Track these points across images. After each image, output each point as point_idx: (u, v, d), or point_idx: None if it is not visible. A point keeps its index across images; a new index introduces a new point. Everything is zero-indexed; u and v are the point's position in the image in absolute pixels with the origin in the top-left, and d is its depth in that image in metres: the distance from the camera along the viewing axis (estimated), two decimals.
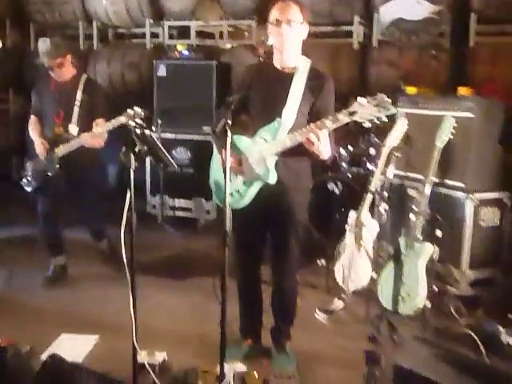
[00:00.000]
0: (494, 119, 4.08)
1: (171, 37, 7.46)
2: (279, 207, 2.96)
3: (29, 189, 4.21)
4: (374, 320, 3.60)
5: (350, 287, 3.89)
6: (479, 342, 3.29)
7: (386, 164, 4.02)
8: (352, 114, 2.59)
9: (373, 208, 4.08)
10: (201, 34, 7.41)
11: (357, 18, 6.34)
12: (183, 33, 7.42)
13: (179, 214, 6.00)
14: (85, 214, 4.62)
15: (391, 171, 4.08)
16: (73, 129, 4.08)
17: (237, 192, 2.92)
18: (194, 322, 3.71)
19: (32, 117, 4.35)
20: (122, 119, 3.70)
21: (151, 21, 7.36)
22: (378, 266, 3.89)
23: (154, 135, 2.95)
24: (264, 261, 3.22)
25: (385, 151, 3.93)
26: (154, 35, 7.47)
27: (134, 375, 2.82)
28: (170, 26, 7.38)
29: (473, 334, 3.35)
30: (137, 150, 2.80)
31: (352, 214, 3.98)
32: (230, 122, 2.38)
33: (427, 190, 3.79)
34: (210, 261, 3.69)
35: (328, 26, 6.61)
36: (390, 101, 2.53)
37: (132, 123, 3.46)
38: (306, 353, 3.29)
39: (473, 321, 3.67)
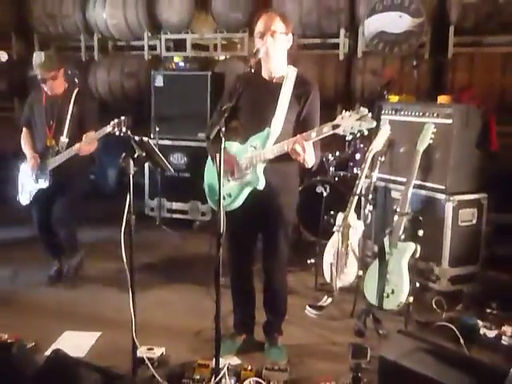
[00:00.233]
0: (472, 125, 4.09)
1: (168, 49, 7.47)
2: (269, 209, 2.96)
3: (24, 202, 4.14)
4: (361, 315, 3.60)
5: (337, 284, 3.89)
6: (459, 334, 3.30)
7: (371, 168, 4.03)
8: (335, 127, 2.59)
9: (359, 209, 4.09)
10: (196, 47, 7.44)
11: (343, 31, 6.39)
12: (179, 45, 7.43)
13: (176, 215, 5.99)
14: (60, 221, 4.15)
15: (376, 174, 4.09)
16: (64, 141, 3.98)
17: (228, 196, 2.91)
18: (191, 318, 3.70)
19: (24, 129, 4.25)
20: (108, 129, 3.63)
21: (149, 34, 7.37)
22: (363, 264, 3.89)
23: (152, 142, 2.95)
24: (256, 259, 3.21)
25: (369, 156, 3.94)
26: (152, 47, 7.48)
27: (133, 369, 2.83)
28: (166, 39, 7.39)
29: (453, 327, 3.37)
30: (136, 155, 2.81)
31: (339, 216, 3.99)
32: (223, 129, 2.39)
33: (409, 192, 3.80)
34: (205, 260, 3.67)
35: (316, 39, 6.65)
36: (370, 115, 2.54)
37: (117, 132, 3.51)
38: (296, 346, 3.29)
39: (453, 314, 3.69)
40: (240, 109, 2.90)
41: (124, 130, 3.49)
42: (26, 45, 8.15)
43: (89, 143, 3.88)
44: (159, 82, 5.91)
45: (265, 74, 2.94)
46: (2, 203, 4.09)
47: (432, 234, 3.89)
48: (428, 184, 4.09)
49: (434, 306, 3.81)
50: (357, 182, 3.96)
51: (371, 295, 3.70)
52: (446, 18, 5.90)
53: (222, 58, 7.26)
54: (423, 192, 4.10)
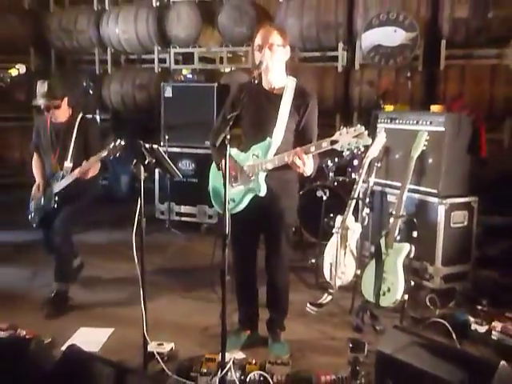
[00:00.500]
0: (463, 132, 4.09)
1: (177, 62, 7.50)
2: (270, 212, 2.96)
3: (33, 225, 4.01)
4: (359, 311, 3.59)
5: (337, 283, 3.89)
6: (451, 330, 3.29)
7: (368, 173, 4.03)
8: (333, 142, 2.60)
9: (356, 212, 4.08)
10: (203, 59, 7.46)
11: (341, 45, 6.40)
12: (187, 58, 7.46)
13: (184, 218, 5.99)
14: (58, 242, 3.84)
15: (372, 179, 4.08)
16: (67, 166, 3.84)
17: (232, 200, 2.91)
18: (198, 315, 3.69)
19: (34, 155, 4.09)
20: (104, 153, 3.56)
21: (159, 48, 7.41)
22: (361, 264, 3.88)
23: (162, 149, 2.96)
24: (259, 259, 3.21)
25: (366, 162, 3.93)
26: (162, 60, 7.51)
27: (144, 363, 2.84)
28: (175, 53, 7.42)
29: (446, 323, 3.36)
30: (146, 162, 2.82)
31: (338, 218, 3.98)
32: (228, 136, 2.39)
33: (404, 195, 3.80)
34: (211, 259, 3.68)
35: (316, 52, 6.66)
36: (366, 132, 2.54)
37: (112, 156, 3.53)
38: (298, 341, 3.29)
39: (446, 311, 3.68)
40: (242, 118, 2.89)
41: (119, 153, 3.49)
42: (44, 58, 8.19)
43: (87, 168, 3.72)
44: (169, 93, 5.93)
45: (265, 85, 2.93)
46: (25, 208, 4.07)
47: (426, 235, 3.89)
48: (422, 188, 4.09)
49: (428, 303, 3.80)
50: (355, 186, 3.96)
51: (368, 293, 3.70)
52: (438, 32, 5.91)
53: (227, 70, 7.28)
54: (417, 196, 4.10)
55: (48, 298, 3.77)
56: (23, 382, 2.40)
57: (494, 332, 3.24)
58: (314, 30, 6.35)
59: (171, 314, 3.72)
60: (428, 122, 4.05)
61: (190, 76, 6.10)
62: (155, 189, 6.07)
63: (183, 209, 5.98)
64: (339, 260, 3.86)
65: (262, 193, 2.84)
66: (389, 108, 4.73)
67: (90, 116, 7.04)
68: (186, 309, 3.83)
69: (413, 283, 3.70)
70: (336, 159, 5.17)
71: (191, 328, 3.51)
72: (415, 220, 3.79)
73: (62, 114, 3.91)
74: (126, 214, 3.05)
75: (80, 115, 3.97)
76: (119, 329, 3.45)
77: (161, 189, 6.04)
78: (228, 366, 2.58)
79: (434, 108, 4.30)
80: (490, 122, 5.14)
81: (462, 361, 2.38)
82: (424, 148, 3.86)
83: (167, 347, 3.04)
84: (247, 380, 2.68)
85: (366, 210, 4.00)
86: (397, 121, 4.36)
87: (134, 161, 2.80)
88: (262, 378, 2.69)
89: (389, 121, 4.43)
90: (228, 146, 2.38)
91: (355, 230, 3.91)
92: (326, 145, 2.63)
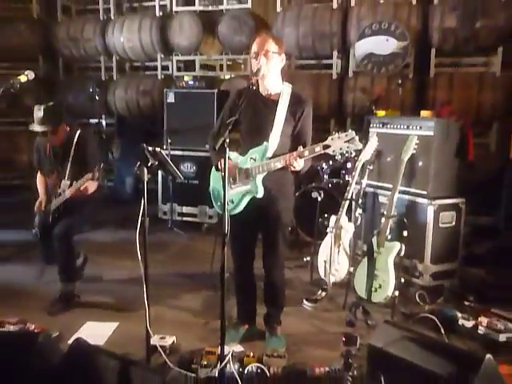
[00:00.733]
0: (451, 137, 4.10)
1: (179, 69, 7.52)
2: (268, 213, 2.96)
3: (37, 238, 3.90)
4: (351, 307, 3.59)
5: (330, 280, 3.89)
6: (439, 325, 3.30)
7: (361, 175, 4.04)
8: (326, 147, 2.62)
9: (350, 213, 4.09)
10: (204, 67, 7.48)
11: (335, 53, 6.42)
12: (189, 66, 7.48)
13: (186, 218, 5.99)
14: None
15: (365, 181, 4.10)
16: (65, 184, 3.70)
17: (231, 202, 2.92)
18: (199, 310, 3.70)
19: (38, 173, 3.98)
20: (89, 176, 3.44)
21: (162, 55, 7.41)
22: (354, 262, 3.89)
23: (164, 152, 2.96)
24: (256, 257, 3.21)
25: (359, 165, 3.94)
26: (164, 68, 7.52)
27: (147, 356, 2.84)
28: (177, 60, 7.43)
29: (434, 318, 3.37)
30: (149, 164, 2.82)
31: (332, 218, 3.99)
32: (228, 140, 2.39)
33: (395, 197, 3.81)
34: (211, 258, 3.68)
35: (311, 60, 6.68)
36: (358, 138, 2.56)
37: (96, 180, 3.46)
38: (294, 335, 3.30)
39: (434, 307, 3.69)
40: (240, 122, 2.88)
41: (100, 177, 3.43)
42: (52, 65, 8.19)
43: (77, 188, 3.55)
44: (171, 98, 5.93)
45: (262, 91, 2.93)
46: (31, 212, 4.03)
47: (415, 234, 3.89)
48: (412, 190, 4.09)
49: (418, 299, 3.81)
50: (348, 188, 3.97)
51: (361, 289, 3.71)
52: (428, 41, 5.94)
53: (227, 77, 7.29)
54: (407, 197, 4.10)
55: (55, 297, 3.74)
56: (32, 374, 2.41)
57: (480, 327, 3.24)
58: (309, 39, 6.37)
59: (173, 309, 3.73)
60: (418, 127, 4.06)
61: (191, 82, 6.09)
62: (158, 190, 6.07)
63: (185, 209, 5.98)
64: (333, 258, 3.87)
65: (260, 194, 2.85)
66: (381, 113, 4.74)
67: (95, 120, 7.15)
68: (187, 304, 3.83)
69: (403, 280, 3.72)
70: (330, 162, 5.18)
71: (192, 322, 3.52)
72: (405, 220, 3.80)
73: (60, 136, 3.73)
74: (131, 215, 3.05)
75: (78, 132, 3.78)
76: (123, 323, 3.46)
77: (163, 190, 6.03)
78: (227, 359, 2.59)
79: (424, 113, 4.32)
80: (477, 128, 5.17)
81: (449, 354, 2.39)
82: (414, 151, 3.87)
83: (169, 341, 3.05)
84: (245, 372, 2.69)
85: (359, 211, 4.02)
86: (388, 125, 4.36)
87: (138, 163, 2.81)
88: (259, 370, 2.70)
89: (381, 125, 4.44)
90: (227, 149, 2.39)
91: (348, 229, 3.92)
92: (319, 149, 2.65)
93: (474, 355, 2.44)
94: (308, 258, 4.55)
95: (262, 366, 2.72)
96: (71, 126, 3.83)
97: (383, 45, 5.69)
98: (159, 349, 2.88)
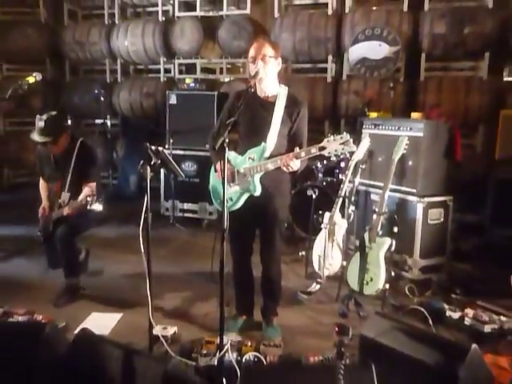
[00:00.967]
0: (440, 137, 4.11)
1: (180, 72, 7.50)
2: (265, 210, 2.96)
3: (41, 240, 3.84)
4: (344, 299, 3.61)
5: (324, 273, 3.90)
6: (428, 316, 3.31)
7: (354, 174, 4.05)
8: (321, 148, 2.61)
9: (343, 209, 4.10)
10: (204, 70, 7.46)
11: (330, 57, 6.42)
12: (190, 69, 7.46)
13: (187, 215, 5.98)
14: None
15: (357, 180, 4.10)
16: (65, 196, 3.58)
17: (230, 199, 2.92)
18: (199, 301, 3.70)
19: (41, 179, 3.87)
20: (83, 201, 3.32)
21: (164, 59, 7.40)
22: (347, 256, 3.90)
23: (167, 151, 2.95)
24: (254, 252, 3.22)
25: (352, 164, 3.95)
26: (167, 70, 7.50)
27: (150, 345, 2.84)
28: (179, 63, 7.42)
29: (423, 310, 3.38)
30: (152, 163, 2.81)
31: (326, 215, 4.00)
32: (227, 140, 2.39)
33: (386, 194, 3.82)
34: (211, 252, 3.69)
35: (307, 64, 6.68)
36: (351, 140, 2.56)
37: (89, 204, 3.25)
38: (289, 326, 3.31)
39: (423, 299, 3.70)
40: (239, 123, 2.87)
41: (93, 202, 3.26)
42: (59, 68, 8.17)
43: (73, 209, 3.42)
44: (173, 100, 5.92)
45: (260, 94, 2.93)
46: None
47: (405, 230, 3.91)
48: (402, 188, 4.10)
49: (407, 291, 3.82)
50: (341, 186, 3.97)
51: (353, 282, 3.71)
52: (419, 46, 5.94)
53: (226, 79, 7.27)
54: (398, 195, 4.11)
55: (60, 290, 3.73)
56: (39, 363, 2.41)
57: (466, 318, 3.26)
58: (305, 44, 6.36)
59: (175, 300, 3.74)
60: (408, 128, 4.07)
61: (192, 85, 6.09)
62: (161, 187, 6.06)
63: (186, 206, 5.97)
64: (327, 252, 3.87)
65: (257, 193, 2.85)
66: (373, 115, 4.74)
67: (101, 120, 7.14)
68: (189, 296, 3.84)
69: (393, 274, 3.72)
70: (324, 162, 5.18)
71: (193, 313, 3.53)
72: (396, 217, 3.82)
73: (61, 147, 3.60)
74: (135, 211, 3.05)
75: (79, 141, 3.66)
76: (127, 314, 3.47)
77: (166, 187, 6.03)
78: (226, 348, 2.59)
79: (414, 116, 4.32)
80: (464, 129, 5.17)
81: (437, 344, 2.40)
82: (404, 152, 3.88)
83: (171, 331, 3.06)
84: (243, 360, 2.69)
85: (352, 208, 4.02)
86: (380, 127, 4.37)
87: (142, 162, 2.80)
88: (256, 359, 2.71)
89: (373, 127, 4.45)
90: (227, 149, 2.38)
91: (342, 225, 3.92)
92: (314, 151, 2.65)
93: (460, 345, 2.46)
94: (303, 253, 4.56)
95: (259, 355, 2.72)
96: (73, 136, 3.71)
97: (376, 50, 5.69)
98: (161, 338, 2.88)
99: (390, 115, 4.88)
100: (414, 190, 4.02)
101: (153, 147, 2.81)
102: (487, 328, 3.13)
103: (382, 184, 3.93)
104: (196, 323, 3.35)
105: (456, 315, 3.32)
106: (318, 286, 3.91)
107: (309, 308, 3.66)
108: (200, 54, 7.27)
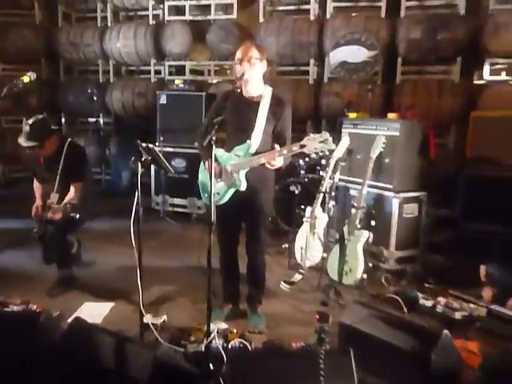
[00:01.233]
0: (414, 137, 4.15)
1: (170, 73, 7.42)
2: (250, 204, 2.95)
3: (36, 239, 3.70)
4: (325, 288, 3.63)
5: (306, 264, 3.92)
6: (403, 304, 3.35)
7: (334, 171, 4.05)
8: (302, 146, 2.62)
9: (324, 204, 4.11)
10: (193, 72, 7.40)
11: (312, 61, 6.41)
12: (180, 70, 7.39)
13: (177, 209, 5.95)
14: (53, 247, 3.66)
15: (337, 176, 4.11)
16: (53, 197, 3.41)
17: (217, 194, 2.91)
18: (188, 291, 3.68)
19: (34, 179, 3.75)
20: (63, 203, 3.27)
21: (155, 61, 7.33)
22: (327, 248, 3.91)
23: (157, 148, 2.94)
24: (240, 244, 3.21)
25: (332, 161, 3.95)
26: (157, 72, 7.43)
27: (140, 333, 2.83)
28: (169, 65, 7.35)
29: (398, 298, 3.41)
30: (143, 159, 2.79)
31: (308, 209, 4.01)
32: (214, 138, 2.38)
33: (364, 190, 3.84)
34: (200, 244, 3.67)
35: (290, 66, 6.66)
36: (331, 139, 2.56)
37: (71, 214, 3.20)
38: (273, 314, 3.31)
39: (398, 288, 3.72)
40: (226, 122, 2.86)
41: (70, 210, 3.20)
42: (53, 68, 8.05)
43: (55, 214, 3.30)
44: (163, 100, 5.87)
45: (246, 94, 2.91)
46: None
47: (382, 223, 3.94)
48: (379, 184, 4.13)
49: (383, 281, 3.85)
50: (322, 182, 3.98)
51: (333, 273, 3.74)
52: (396, 51, 5.96)
53: (214, 81, 7.23)
54: (375, 190, 4.14)
55: (54, 281, 3.68)
56: (34, 350, 2.38)
57: (438, 306, 3.29)
58: (289, 48, 6.35)
59: (164, 290, 3.71)
60: (385, 128, 4.10)
61: (181, 86, 6.04)
62: (151, 183, 6.02)
63: (176, 201, 5.94)
64: (309, 244, 3.89)
65: (243, 188, 2.84)
66: (352, 115, 4.75)
67: (94, 119, 7.05)
68: (178, 286, 3.82)
69: (371, 265, 3.76)
70: (306, 159, 5.18)
71: (182, 302, 3.51)
72: (373, 211, 3.85)
73: (48, 149, 3.47)
74: (127, 205, 3.01)
75: (67, 142, 3.52)
76: (119, 303, 3.44)
77: (156, 183, 5.98)
78: (213, 335, 2.58)
79: (391, 116, 4.35)
80: (437, 129, 5.20)
81: (411, 330, 2.43)
82: (381, 150, 3.90)
83: (161, 319, 3.04)
84: (229, 347, 2.69)
85: (332, 203, 4.04)
86: (359, 126, 4.39)
87: (133, 158, 2.78)
88: (241, 345, 2.70)
89: (352, 126, 4.47)
90: (214, 146, 2.38)
91: (322, 219, 3.94)
92: (296, 148, 2.65)
93: (432, 331, 2.49)
94: (286, 245, 4.56)
95: (245, 342, 2.72)
96: (62, 137, 3.61)
97: (355, 54, 5.70)
98: (151, 326, 2.87)
99: (368, 115, 4.89)
100: (391, 186, 4.05)
101: (144, 144, 2.79)
102: (458, 315, 3.17)
103: (360, 180, 3.95)
104: (185, 312, 3.34)
105: (429, 303, 3.35)
106: (300, 277, 3.91)
107: (291, 297, 3.67)
108: (189, 57, 7.22)
